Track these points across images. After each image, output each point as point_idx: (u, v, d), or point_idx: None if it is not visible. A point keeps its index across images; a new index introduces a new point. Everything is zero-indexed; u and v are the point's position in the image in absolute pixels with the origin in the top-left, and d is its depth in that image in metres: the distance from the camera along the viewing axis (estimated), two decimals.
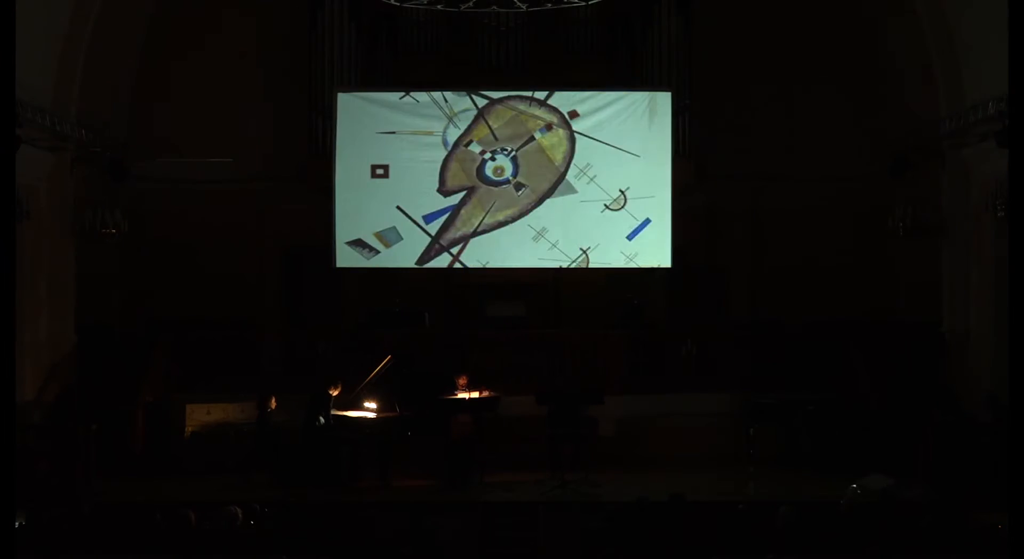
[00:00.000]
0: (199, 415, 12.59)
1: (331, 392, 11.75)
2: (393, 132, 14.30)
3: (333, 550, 8.03)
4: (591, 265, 14.45)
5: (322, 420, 11.65)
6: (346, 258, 14.47)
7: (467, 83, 14.55)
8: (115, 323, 14.33)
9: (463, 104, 14.37)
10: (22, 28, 8.37)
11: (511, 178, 14.43)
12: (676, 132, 14.43)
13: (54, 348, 12.88)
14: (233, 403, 12.65)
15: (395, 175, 14.40)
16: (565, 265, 14.46)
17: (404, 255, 14.45)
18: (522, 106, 14.37)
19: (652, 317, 14.72)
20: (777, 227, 15.18)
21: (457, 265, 14.49)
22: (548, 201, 14.41)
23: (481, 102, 14.38)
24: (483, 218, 14.44)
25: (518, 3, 11.16)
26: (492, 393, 12.03)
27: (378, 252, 14.43)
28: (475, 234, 14.44)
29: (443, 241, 14.43)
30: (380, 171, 14.41)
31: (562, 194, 14.40)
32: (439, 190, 14.41)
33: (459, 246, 14.44)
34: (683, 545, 7.92)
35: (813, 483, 11.44)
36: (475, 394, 11.91)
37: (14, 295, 6.12)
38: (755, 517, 8.69)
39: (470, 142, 14.41)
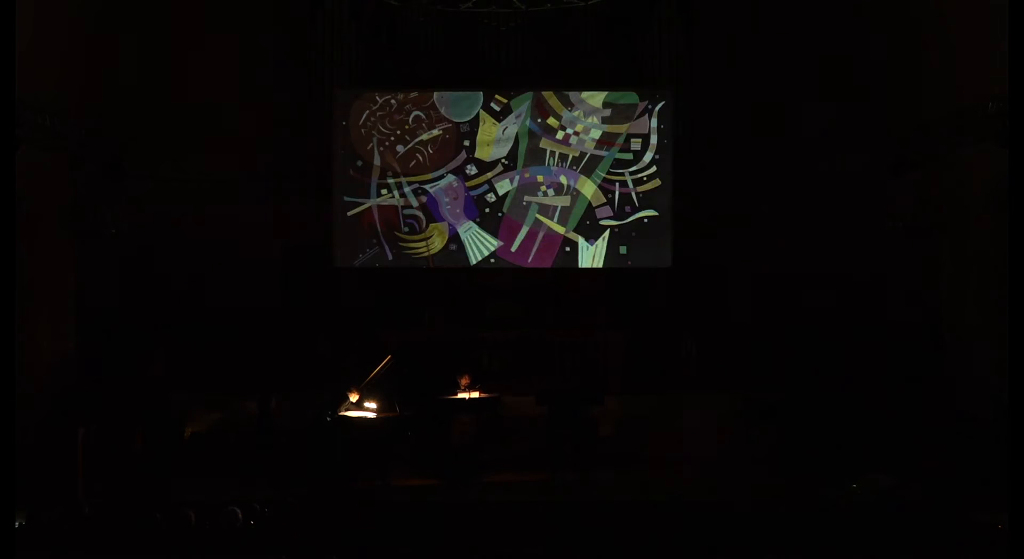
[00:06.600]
0: (199, 415, 12.59)
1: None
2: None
3: (333, 550, 8.03)
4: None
5: (329, 418, 11.66)
6: (346, 257, 14.49)
7: (466, 82, 14.56)
8: (115, 323, 14.33)
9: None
10: (22, 28, 8.38)
11: None
12: (676, 132, 14.43)
13: (54, 348, 12.89)
14: (233, 403, 12.65)
15: None
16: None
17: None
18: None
19: (652, 317, 14.73)
20: (777, 227, 15.16)
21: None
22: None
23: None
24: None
25: (517, 3, 11.18)
26: (492, 393, 12.05)
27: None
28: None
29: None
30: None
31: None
32: None
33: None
34: (683, 545, 7.93)
35: (813, 483, 11.44)
36: (475, 394, 11.93)
37: (14, 295, 6.12)
38: (755, 517, 8.70)
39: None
